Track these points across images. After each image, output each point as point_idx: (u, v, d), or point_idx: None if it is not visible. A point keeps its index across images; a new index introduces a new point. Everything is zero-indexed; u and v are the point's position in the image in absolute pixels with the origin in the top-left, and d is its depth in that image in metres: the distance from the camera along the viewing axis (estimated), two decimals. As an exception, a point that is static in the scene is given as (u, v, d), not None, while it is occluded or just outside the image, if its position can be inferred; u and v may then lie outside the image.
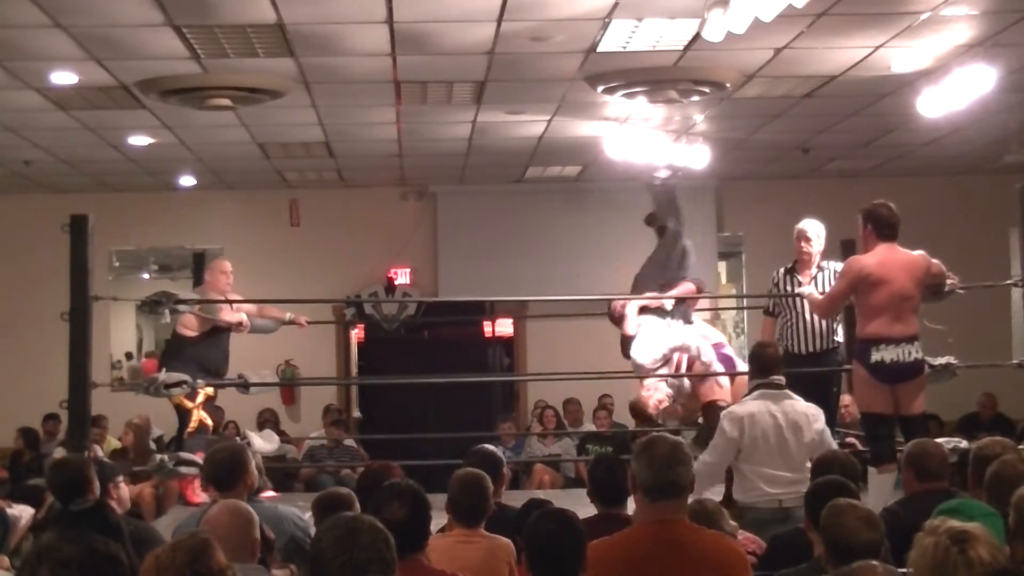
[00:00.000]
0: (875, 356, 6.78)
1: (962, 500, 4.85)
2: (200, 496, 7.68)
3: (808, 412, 6.43)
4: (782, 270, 8.10)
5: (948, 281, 7.14)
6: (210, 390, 7.93)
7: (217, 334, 8.38)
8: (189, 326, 8.30)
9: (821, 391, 7.43)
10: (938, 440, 6.28)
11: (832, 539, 3.87)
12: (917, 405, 6.99)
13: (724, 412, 6.58)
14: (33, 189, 13.05)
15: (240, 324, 8.38)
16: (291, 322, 8.65)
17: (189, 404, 7.88)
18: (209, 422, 8.07)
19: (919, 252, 6.87)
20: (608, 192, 13.26)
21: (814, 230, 7.94)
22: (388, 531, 3.21)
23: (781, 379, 6.53)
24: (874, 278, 6.77)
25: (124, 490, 5.91)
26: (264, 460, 8.12)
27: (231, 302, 8.45)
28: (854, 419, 9.09)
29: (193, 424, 7.92)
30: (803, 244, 7.95)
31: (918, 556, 3.12)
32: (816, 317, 7.80)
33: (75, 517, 5.17)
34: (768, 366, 6.56)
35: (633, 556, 3.83)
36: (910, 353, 6.74)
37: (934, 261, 6.92)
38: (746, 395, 6.67)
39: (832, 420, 7.54)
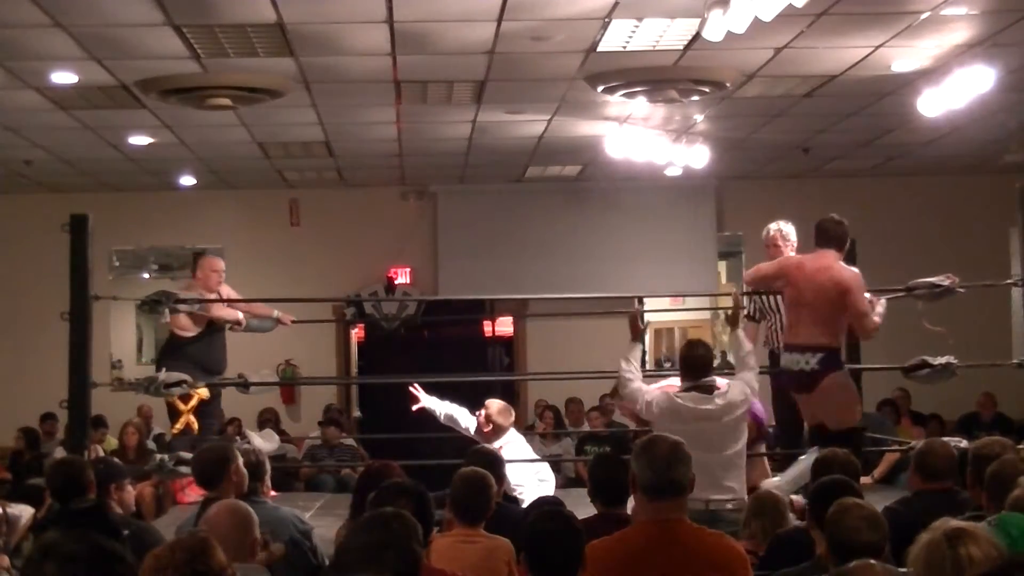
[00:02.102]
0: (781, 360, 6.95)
1: (1004, 515, 4.37)
2: (189, 496, 7.67)
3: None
4: None
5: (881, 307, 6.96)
6: (204, 393, 7.78)
7: (213, 333, 8.33)
8: (184, 326, 8.22)
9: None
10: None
11: (835, 538, 3.87)
12: (815, 416, 6.89)
13: (661, 393, 6.29)
14: (33, 189, 13.04)
15: (237, 322, 8.36)
16: (277, 320, 8.63)
17: (182, 406, 7.77)
18: (196, 426, 8.00)
19: (852, 271, 6.79)
20: (608, 192, 13.29)
21: (785, 231, 7.78)
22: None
23: (712, 380, 6.25)
24: (790, 278, 6.92)
25: (129, 492, 5.89)
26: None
27: (223, 301, 8.43)
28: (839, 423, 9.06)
29: (179, 425, 7.86)
30: (771, 250, 7.76)
31: (914, 554, 3.12)
32: None
33: (75, 516, 5.18)
34: (698, 369, 6.27)
35: (633, 556, 3.82)
36: (797, 363, 6.76)
37: (857, 295, 6.69)
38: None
39: None
